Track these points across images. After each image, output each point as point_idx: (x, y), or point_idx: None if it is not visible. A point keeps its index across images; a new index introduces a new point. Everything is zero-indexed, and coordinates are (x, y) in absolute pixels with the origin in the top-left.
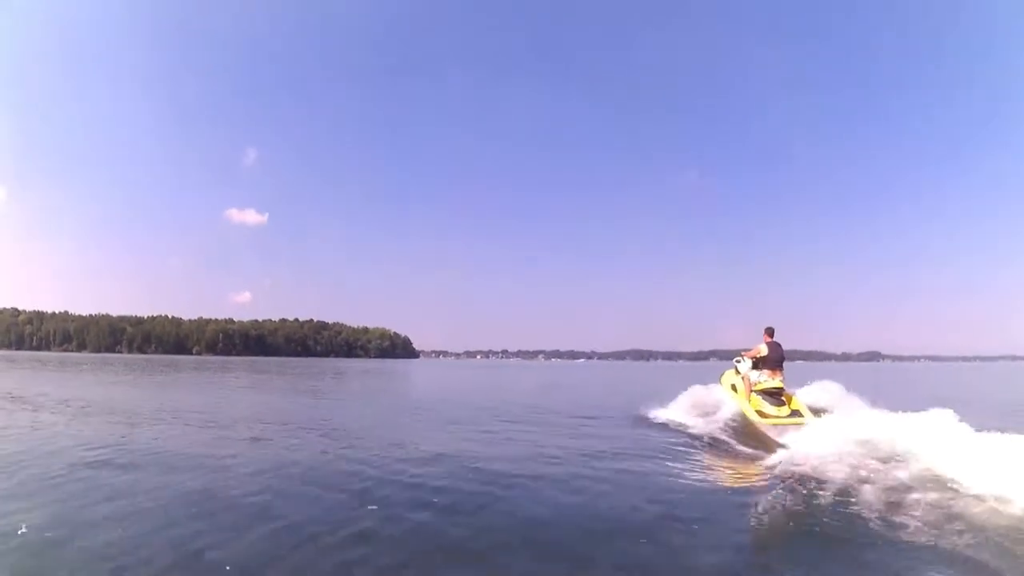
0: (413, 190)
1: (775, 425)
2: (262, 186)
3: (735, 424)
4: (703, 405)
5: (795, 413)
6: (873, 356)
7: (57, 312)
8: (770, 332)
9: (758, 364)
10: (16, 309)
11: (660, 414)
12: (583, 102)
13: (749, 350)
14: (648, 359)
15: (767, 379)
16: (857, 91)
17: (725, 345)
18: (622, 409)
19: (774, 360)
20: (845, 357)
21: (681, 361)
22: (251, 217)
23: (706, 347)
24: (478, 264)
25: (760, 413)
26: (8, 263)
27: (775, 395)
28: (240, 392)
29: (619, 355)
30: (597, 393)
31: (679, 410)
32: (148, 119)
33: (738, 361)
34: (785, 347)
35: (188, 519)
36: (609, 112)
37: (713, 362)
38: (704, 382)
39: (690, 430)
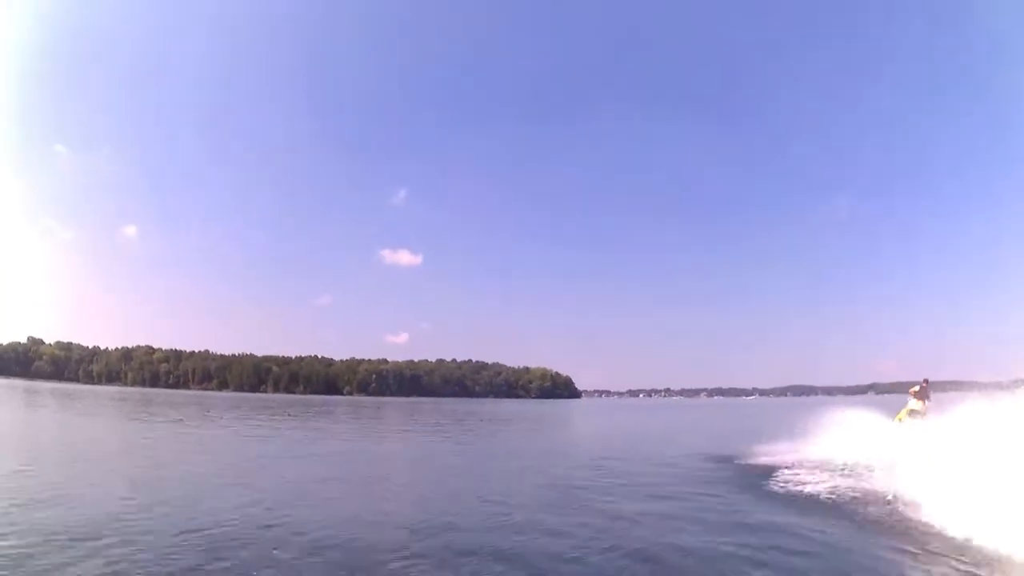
0: (562, 231)
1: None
2: (414, 226)
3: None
4: None
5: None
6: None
7: (197, 351)
8: (926, 381)
9: (918, 395)
10: (150, 347)
11: None
12: (719, 134)
13: (915, 387)
14: (808, 395)
15: (914, 403)
16: None
17: (883, 378)
18: None
19: (921, 395)
20: (997, 385)
21: (840, 395)
22: (405, 258)
23: (864, 380)
24: (635, 303)
25: (899, 419)
26: (136, 301)
27: (914, 413)
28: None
29: (780, 391)
30: None
31: None
32: (294, 156)
33: (914, 392)
34: (936, 376)
35: None
36: (752, 138)
37: (871, 395)
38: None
39: None
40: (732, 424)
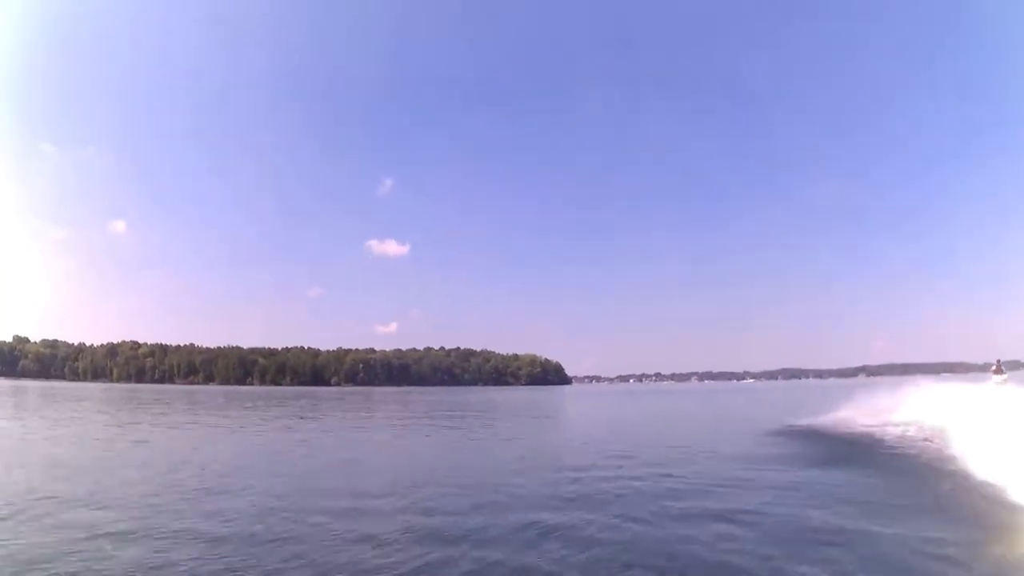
0: (550, 218)
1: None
2: (400, 216)
3: None
4: None
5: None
6: (1017, 365)
7: (182, 345)
8: (998, 360)
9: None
10: (136, 342)
11: None
12: (711, 120)
13: (993, 366)
14: (800, 378)
15: (997, 378)
16: None
17: (874, 360)
18: None
19: (998, 370)
20: (988, 367)
21: (831, 379)
22: (392, 248)
23: (855, 363)
24: (625, 288)
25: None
26: (126, 296)
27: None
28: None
29: (771, 375)
30: None
31: None
32: (280, 148)
33: (994, 370)
34: (927, 357)
35: None
36: (740, 123)
37: (862, 378)
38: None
39: None
40: (808, 402)
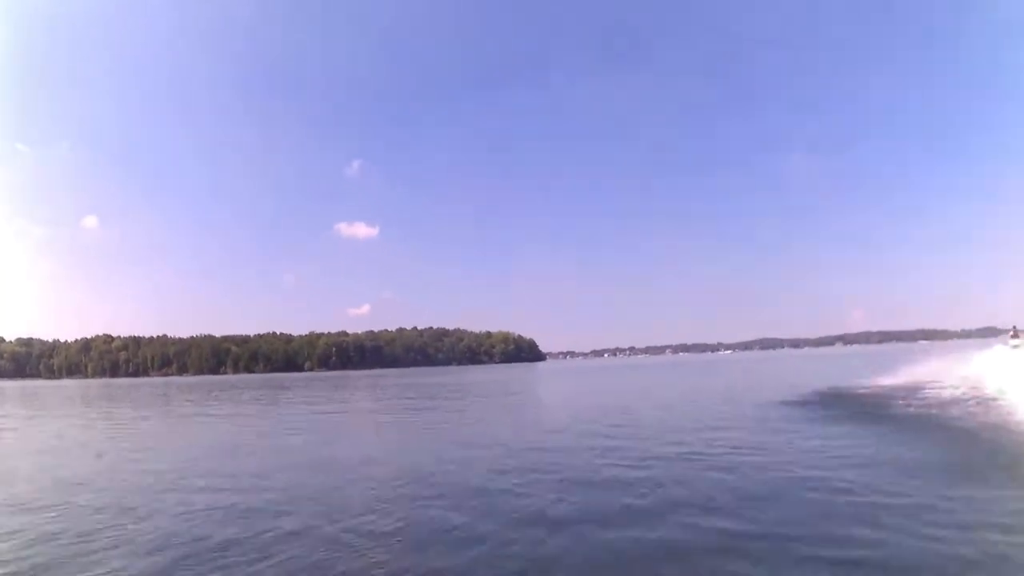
0: (521, 194)
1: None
2: (369, 198)
3: None
4: None
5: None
6: (990, 332)
7: (155, 336)
8: (1015, 327)
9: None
10: (109, 336)
11: None
12: (675, 89)
13: (1012, 331)
14: (775, 347)
15: (1014, 342)
16: None
17: (851, 329)
18: None
19: (1016, 335)
20: (965, 334)
21: (807, 348)
22: (361, 230)
23: (832, 332)
24: (597, 263)
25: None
26: (100, 291)
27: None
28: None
29: (746, 345)
30: None
31: None
32: (247, 134)
33: (1012, 335)
34: (904, 325)
35: None
36: (714, 96)
37: (839, 347)
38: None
39: None
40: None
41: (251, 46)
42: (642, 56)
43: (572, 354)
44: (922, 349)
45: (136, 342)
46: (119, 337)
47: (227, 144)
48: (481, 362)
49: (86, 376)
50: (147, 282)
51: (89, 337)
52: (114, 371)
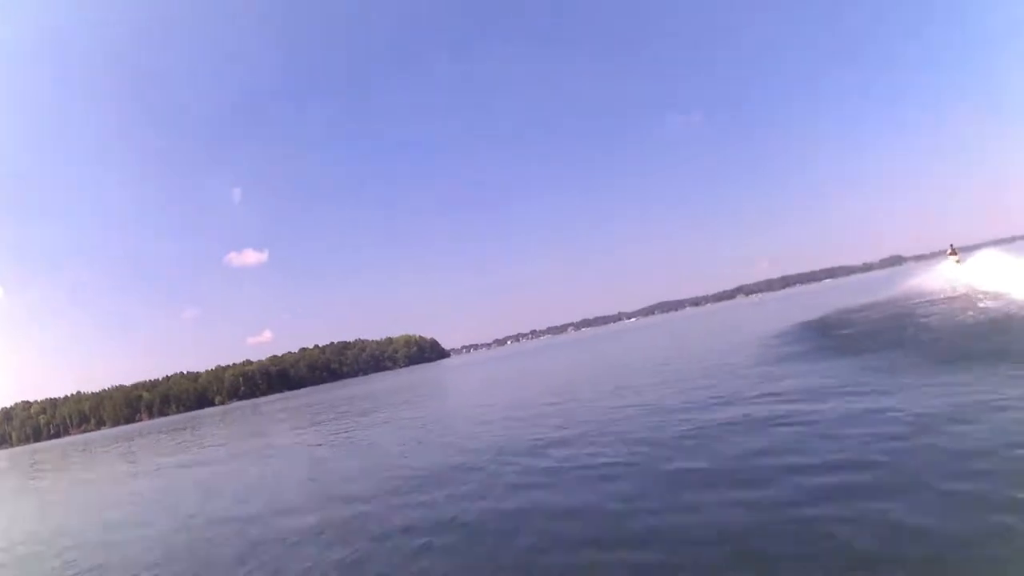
0: (405, 192)
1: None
2: (253, 223)
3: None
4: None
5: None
6: (896, 260)
7: (70, 395)
8: (951, 245)
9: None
10: (27, 402)
11: None
12: (564, 60)
13: (950, 250)
14: (677, 309)
15: (953, 259)
16: None
17: (751, 279)
18: None
19: (954, 253)
20: (867, 267)
21: (708, 304)
22: (251, 257)
23: (729, 286)
24: (486, 255)
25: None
26: (12, 360)
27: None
28: None
29: (648, 311)
30: None
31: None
32: (126, 184)
33: (952, 254)
34: (807, 268)
35: None
36: (587, 65)
37: (739, 299)
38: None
39: None
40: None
41: (122, 86)
42: (542, 33)
43: (475, 347)
44: (827, 288)
45: (53, 403)
46: (36, 401)
47: (110, 187)
48: (387, 368)
49: (11, 445)
50: (55, 342)
51: (9, 406)
52: (37, 436)
